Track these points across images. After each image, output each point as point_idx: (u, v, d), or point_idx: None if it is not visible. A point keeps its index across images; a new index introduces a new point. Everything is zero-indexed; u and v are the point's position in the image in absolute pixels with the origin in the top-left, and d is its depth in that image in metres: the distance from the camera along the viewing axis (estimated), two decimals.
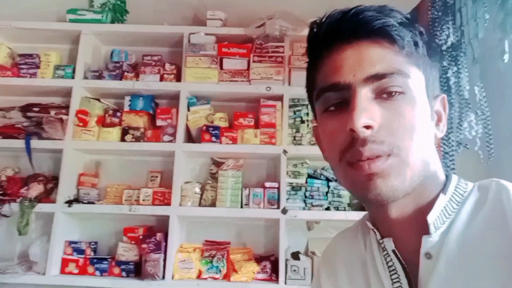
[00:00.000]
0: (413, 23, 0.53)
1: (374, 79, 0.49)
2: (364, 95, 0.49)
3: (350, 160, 0.49)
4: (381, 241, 0.55)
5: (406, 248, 0.53)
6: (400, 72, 0.49)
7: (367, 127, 0.47)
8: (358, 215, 1.79)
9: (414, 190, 0.50)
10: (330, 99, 0.52)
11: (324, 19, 0.53)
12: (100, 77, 2.05)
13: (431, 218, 0.50)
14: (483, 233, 0.48)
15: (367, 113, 0.47)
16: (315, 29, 0.55)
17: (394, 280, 0.52)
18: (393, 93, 0.49)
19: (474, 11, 1.32)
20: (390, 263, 0.54)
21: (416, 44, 0.52)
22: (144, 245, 1.84)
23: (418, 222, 0.51)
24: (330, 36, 0.53)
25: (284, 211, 1.85)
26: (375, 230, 0.57)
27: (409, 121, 0.48)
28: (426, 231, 0.50)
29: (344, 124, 0.48)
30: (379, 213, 0.55)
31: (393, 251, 0.53)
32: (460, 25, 1.39)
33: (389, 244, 0.54)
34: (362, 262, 0.60)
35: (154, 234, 1.86)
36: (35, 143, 1.96)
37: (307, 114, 1.98)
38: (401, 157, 0.48)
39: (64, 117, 2.00)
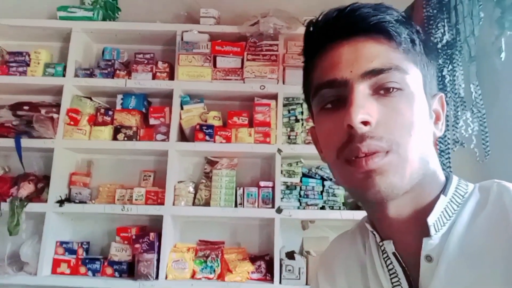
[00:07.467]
0: (410, 21, 0.52)
1: (371, 74, 0.48)
2: (361, 91, 0.48)
3: (347, 157, 0.48)
4: (381, 243, 0.54)
5: (406, 251, 0.51)
6: (397, 67, 0.48)
7: (365, 123, 0.46)
8: (353, 214, 1.81)
9: (413, 189, 0.49)
10: (326, 96, 0.51)
11: (320, 18, 0.53)
12: (91, 75, 2.02)
13: (432, 219, 0.49)
14: (485, 235, 0.47)
15: (364, 109, 0.46)
16: (311, 28, 0.54)
17: (395, 284, 0.51)
18: (391, 89, 0.48)
19: (469, 8, 1.31)
20: (390, 266, 0.52)
21: (413, 41, 0.51)
22: (137, 245, 1.82)
23: (418, 224, 0.50)
24: (326, 33, 0.52)
25: (279, 211, 1.84)
26: (374, 232, 0.55)
27: (407, 118, 0.48)
28: (427, 233, 0.49)
29: (341, 121, 0.47)
30: (378, 213, 0.53)
31: (394, 254, 0.52)
32: (455, 23, 1.39)
33: (389, 246, 0.52)
34: (361, 265, 0.59)
35: (147, 234, 1.84)
36: (25, 142, 1.93)
37: (302, 112, 1.97)
38: (400, 154, 0.47)
39: (55, 115, 1.97)
